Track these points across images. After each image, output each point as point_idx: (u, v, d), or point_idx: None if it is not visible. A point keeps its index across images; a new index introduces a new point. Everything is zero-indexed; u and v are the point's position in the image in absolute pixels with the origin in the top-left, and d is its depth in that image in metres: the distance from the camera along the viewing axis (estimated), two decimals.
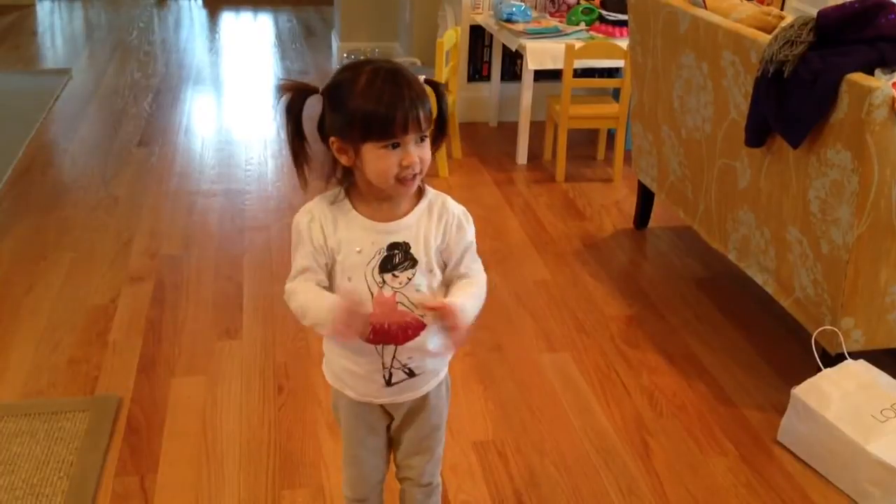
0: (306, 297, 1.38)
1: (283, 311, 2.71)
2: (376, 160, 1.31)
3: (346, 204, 1.39)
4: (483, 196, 3.67)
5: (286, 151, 4.07)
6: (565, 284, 3.00)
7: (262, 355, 2.52)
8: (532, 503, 2.01)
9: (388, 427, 1.59)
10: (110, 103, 4.75)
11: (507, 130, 4.42)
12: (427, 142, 1.33)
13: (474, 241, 1.46)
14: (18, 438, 2.11)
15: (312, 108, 1.38)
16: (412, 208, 1.41)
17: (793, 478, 2.11)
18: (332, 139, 1.34)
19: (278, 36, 6.57)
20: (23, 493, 1.94)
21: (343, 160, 1.35)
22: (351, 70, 1.32)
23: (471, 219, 1.46)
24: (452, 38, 3.87)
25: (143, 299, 2.79)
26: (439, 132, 1.41)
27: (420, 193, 1.42)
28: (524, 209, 3.60)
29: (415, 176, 1.33)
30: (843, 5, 2.16)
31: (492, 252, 3.13)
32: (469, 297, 1.40)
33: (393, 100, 1.27)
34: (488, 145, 4.31)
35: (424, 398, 1.53)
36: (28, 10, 6.98)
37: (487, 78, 4.58)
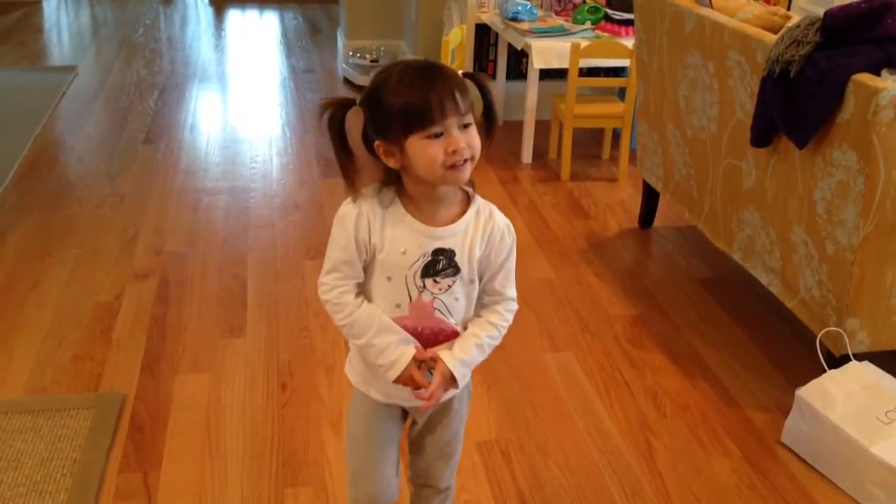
0: (371, 323, 1.38)
1: (287, 310, 2.72)
2: (422, 151, 1.28)
3: (397, 202, 1.37)
4: (488, 195, 3.62)
5: (291, 150, 4.13)
6: (570, 283, 2.99)
7: (265, 353, 2.52)
8: (535, 503, 2.01)
9: (409, 435, 1.57)
10: (116, 100, 4.76)
11: (513, 129, 4.41)
12: (473, 129, 1.31)
13: (514, 259, 1.45)
14: (22, 435, 2.11)
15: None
16: (461, 215, 1.39)
17: (797, 479, 2.11)
18: (376, 143, 1.32)
19: (284, 33, 6.57)
20: (26, 489, 1.95)
21: (391, 163, 1.32)
22: (382, 74, 1.32)
23: (514, 234, 1.45)
24: (458, 37, 3.87)
25: (148, 296, 2.79)
26: (490, 123, 1.38)
27: (468, 200, 1.40)
28: (529, 208, 3.60)
29: (465, 161, 1.30)
30: (849, 5, 2.15)
31: None
32: (475, 352, 1.42)
33: (426, 87, 1.26)
34: (493, 144, 4.27)
35: (449, 403, 1.52)
36: (34, 6, 6.99)
37: (493, 76, 4.57)
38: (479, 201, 1.41)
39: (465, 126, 1.29)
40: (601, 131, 4.24)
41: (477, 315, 1.46)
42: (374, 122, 1.32)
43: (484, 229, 1.40)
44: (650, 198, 3.39)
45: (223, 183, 3.72)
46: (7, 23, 6.42)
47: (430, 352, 1.41)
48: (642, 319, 2.79)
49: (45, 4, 7.13)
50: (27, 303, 2.73)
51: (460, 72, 1.37)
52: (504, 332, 1.46)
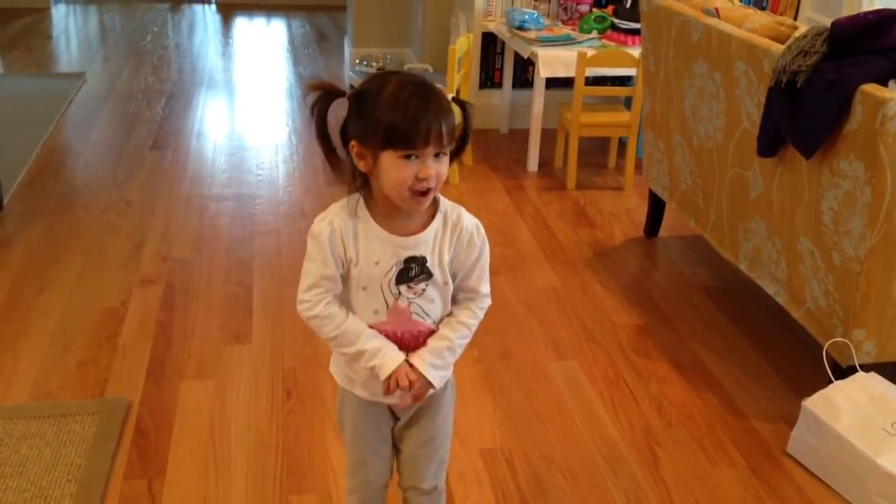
0: (360, 330, 1.42)
1: (293, 316, 2.72)
2: (394, 169, 1.31)
3: (366, 214, 1.40)
4: (494, 203, 3.66)
5: (297, 157, 4.14)
6: (575, 292, 2.99)
7: (270, 360, 2.52)
8: None
9: (393, 430, 1.59)
10: (124, 107, 4.78)
11: (519, 138, 4.42)
12: (445, 158, 1.34)
13: (486, 256, 1.47)
14: (27, 441, 2.12)
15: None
16: (429, 221, 1.41)
17: (802, 490, 2.10)
18: (352, 143, 1.35)
19: (291, 41, 6.59)
20: (31, 495, 1.95)
21: (361, 165, 1.35)
22: (379, 79, 1.33)
23: (483, 234, 1.46)
24: (465, 45, 3.88)
25: (154, 302, 2.80)
26: (459, 148, 1.41)
27: (435, 205, 1.42)
28: (534, 216, 3.60)
29: (428, 190, 1.33)
30: (857, 16, 2.15)
31: (501, 259, 3.13)
32: (447, 356, 1.46)
33: (418, 112, 1.28)
34: (499, 152, 4.31)
35: (431, 398, 1.54)
36: (43, 13, 7.03)
37: (499, 85, 4.58)
38: (446, 205, 1.44)
39: (441, 155, 1.32)
40: (607, 140, 4.24)
41: (450, 312, 1.48)
42: (356, 123, 1.34)
43: (452, 234, 1.43)
44: (656, 207, 3.39)
45: (229, 190, 3.73)
46: (16, 29, 6.45)
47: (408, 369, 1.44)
48: (647, 329, 2.79)
49: (53, 11, 7.17)
50: (33, 308, 2.74)
51: (450, 96, 1.38)
52: (475, 328, 1.49)
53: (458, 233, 1.43)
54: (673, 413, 2.37)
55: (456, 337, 1.46)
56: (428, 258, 1.41)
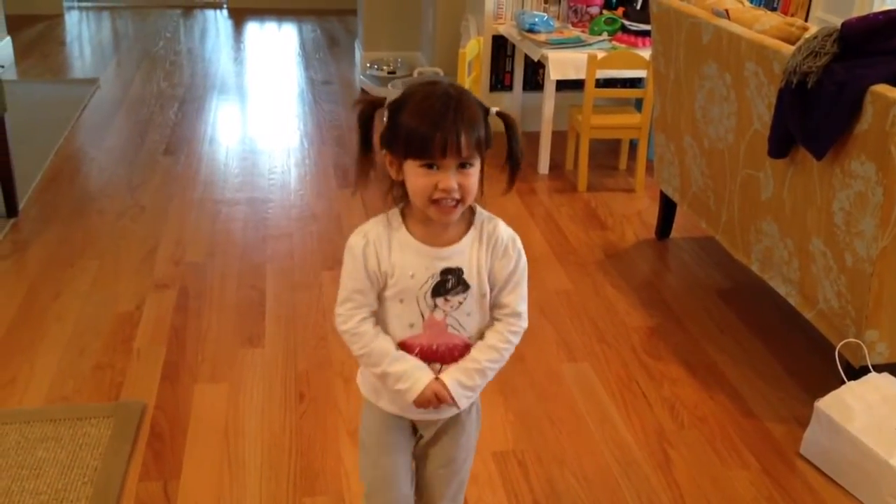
0: (385, 353, 1.40)
1: (305, 320, 2.74)
2: (415, 178, 1.31)
3: (401, 226, 1.39)
4: (505, 206, 3.67)
5: (309, 161, 4.15)
6: (587, 294, 2.99)
7: (283, 363, 2.54)
8: None
9: (415, 450, 1.58)
10: (137, 112, 4.81)
11: (529, 140, 4.42)
12: (473, 170, 1.32)
13: (523, 271, 1.45)
14: (44, 444, 2.14)
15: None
16: (465, 232, 1.40)
17: (816, 491, 2.10)
18: (383, 151, 1.35)
19: (302, 45, 6.62)
20: (48, 497, 1.97)
21: (392, 173, 1.36)
22: (416, 87, 1.34)
23: (520, 246, 1.45)
24: (475, 48, 3.89)
25: (168, 306, 2.82)
26: (513, 168, 1.40)
27: (472, 216, 1.42)
28: (546, 219, 3.60)
29: (456, 203, 1.32)
30: (867, 17, 2.15)
31: None
32: (476, 377, 1.44)
33: (436, 120, 1.27)
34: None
35: (456, 418, 1.53)
36: (56, 20, 7.08)
37: (510, 88, 4.59)
38: (483, 215, 1.43)
39: (464, 166, 1.31)
40: (618, 142, 4.24)
41: (482, 335, 1.47)
42: (387, 131, 1.34)
43: (488, 243, 1.41)
44: (667, 208, 3.38)
45: (242, 194, 3.75)
46: (30, 36, 6.51)
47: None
48: (659, 330, 2.79)
49: (67, 17, 7.22)
50: (49, 313, 2.76)
51: (494, 110, 1.37)
52: (507, 355, 1.47)
53: (493, 243, 1.41)
54: (685, 415, 2.37)
55: (485, 360, 1.44)
56: (465, 269, 1.39)
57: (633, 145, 4.14)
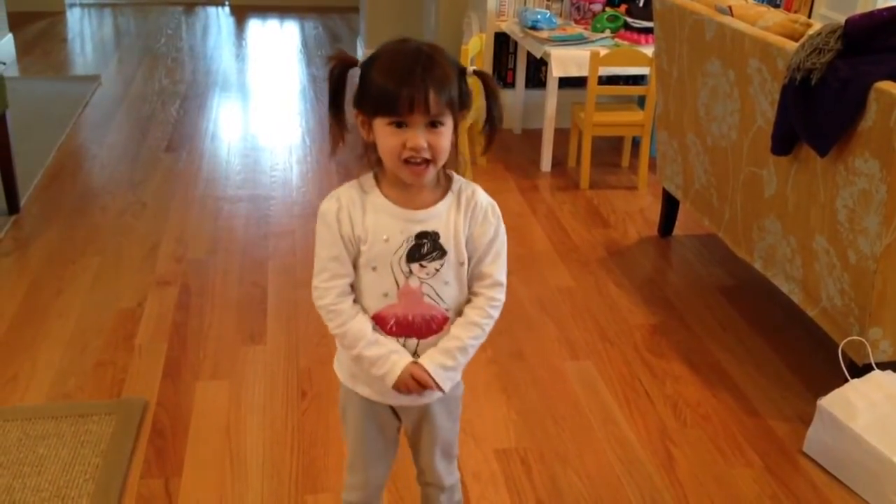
0: (361, 336, 1.37)
1: (307, 317, 2.74)
2: (384, 137, 1.28)
3: (375, 188, 1.36)
4: (507, 203, 3.66)
5: (311, 158, 4.15)
6: (589, 292, 2.99)
7: (285, 360, 2.53)
8: None
9: (398, 431, 1.58)
10: (138, 109, 4.81)
11: (532, 137, 4.42)
12: (444, 129, 1.28)
13: (503, 240, 1.41)
14: (45, 441, 2.13)
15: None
16: (443, 196, 1.37)
17: (819, 490, 2.09)
18: (355, 111, 1.33)
19: (304, 42, 6.62)
20: (49, 494, 1.96)
21: (363, 134, 1.33)
22: (386, 45, 1.31)
23: (499, 213, 1.41)
24: (477, 45, 3.88)
25: (170, 303, 2.81)
26: (490, 127, 1.36)
27: (449, 181, 1.38)
28: (548, 216, 3.60)
29: (425, 162, 1.28)
30: (871, 13, 2.14)
31: (515, 259, 3.12)
32: (458, 357, 1.40)
33: (404, 76, 1.24)
34: (513, 152, 4.31)
35: (440, 400, 1.50)
36: (58, 16, 7.08)
37: (512, 85, 4.58)
38: (460, 181, 1.39)
39: (434, 125, 1.27)
40: (620, 139, 4.23)
41: (461, 310, 1.42)
42: (358, 90, 1.32)
43: (467, 208, 1.37)
44: (670, 206, 3.38)
45: (244, 191, 3.75)
46: (32, 33, 6.50)
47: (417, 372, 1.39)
48: (662, 328, 2.78)
49: (68, 14, 7.22)
50: (51, 310, 2.76)
51: (471, 68, 1.34)
52: (489, 329, 1.42)
53: (472, 208, 1.37)
54: (688, 413, 2.37)
55: (468, 337, 1.40)
56: (441, 233, 1.35)
57: (636, 143, 4.13)
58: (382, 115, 1.27)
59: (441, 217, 1.36)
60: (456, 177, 1.39)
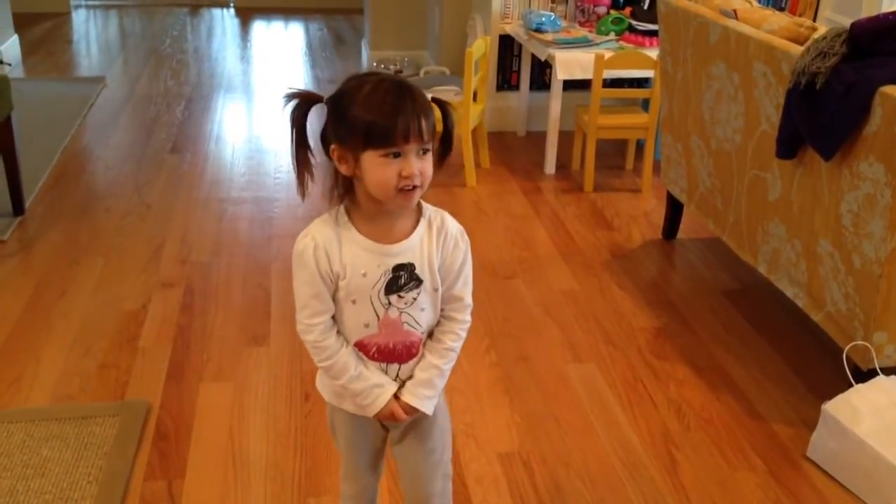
0: (346, 370, 1.42)
1: None
2: (376, 168, 1.29)
3: (349, 224, 1.38)
4: (511, 205, 3.66)
5: (315, 160, 4.15)
6: (593, 295, 2.99)
7: (289, 363, 2.53)
8: None
9: (384, 440, 1.58)
10: (143, 111, 4.82)
11: (536, 140, 4.42)
12: (429, 155, 1.32)
13: (470, 264, 1.46)
14: (49, 443, 2.14)
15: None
16: (414, 227, 1.40)
17: (823, 495, 2.08)
18: (332, 147, 1.33)
19: (309, 44, 6.62)
20: (52, 496, 1.97)
21: (343, 169, 1.34)
22: (355, 80, 1.32)
23: (467, 240, 1.45)
24: (482, 48, 3.88)
25: (173, 305, 2.82)
26: (445, 150, 1.40)
27: (419, 210, 1.41)
28: (552, 219, 3.59)
29: (415, 188, 1.31)
30: (876, 17, 2.14)
31: (519, 261, 3.12)
32: (438, 383, 1.46)
33: (395, 108, 1.26)
34: (517, 155, 4.31)
35: (423, 415, 1.51)
36: (64, 18, 7.10)
37: (516, 87, 4.58)
38: (429, 210, 1.42)
39: (424, 152, 1.30)
40: (625, 142, 4.23)
41: (432, 333, 1.47)
42: (334, 127, 1.32)
43: (438, 237, 1.41)
44: (674, 209, 3.37)
45: (248, 193, 3.75)
46: (37, 34, 6.52)
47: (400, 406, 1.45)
48: (666, 331, 2.78)
49: (74, 16, 7.24)
50: (55, 311, 2.77)
51: (429, 95, 1.37)
52: (458, 351, 1.48)
53: (443, 237, 1.41)
54: (692, 416, 2.36)
55: (444, 364, 1.45)
56: (416, 264, 1.39)
57: (640, 145, 4.12)
58: (375, 148, 1.28)
59: (415, 249, 1.39)
60: (425, 205, 1.43)
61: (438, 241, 1.40)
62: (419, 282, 1.39)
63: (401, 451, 1.57)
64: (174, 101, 4.99)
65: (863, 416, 2.06)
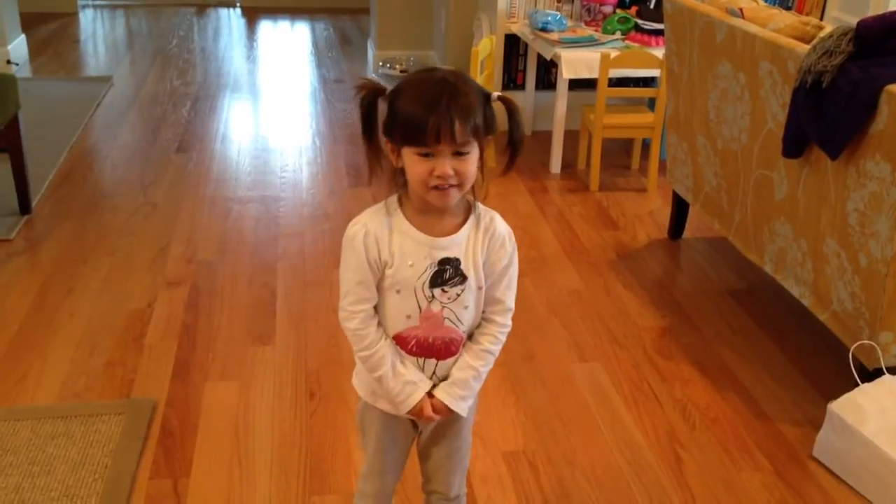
0: (384, 363, 1.42)
1: (316, 318, 2.74)
2: (412, 165, 1.31)
3: (400, 214, 1.39)
4: (517, 205, 3.66)
5: (321, 159, 4.16)
6: (598, 294, 2.98)
7: (294, 361, 2.54)
8: None
9: (413, 441, 1.60)
10: (150, 110, 4.83)
11: (542, 139, 4.41)
12: (469, 157, 1.31)
13: (516, 268, 1.45)
14: (55, 440, 2.14)
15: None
16: (463, 223, 1.40)
17: (829, 494, 2.08)
18: (385, 139, 1.35)
19: (315, 44, 6.63)
20: (58, 494, 1.97)
21: (393, 160, 1.36)
22: (415, 74, 1.34)
23: (514, 243, 1.45)
24: (487, 47, 3.88)
25: (179, 304, 2.82)
26: (512, 153, 1.39)
27: (469, 208, 1.42)
28: (558, 218, 3.59)
29: (451, 187, 1.31)
30: (883, 16, 2.13)
31: (525, 261, 3.10)
32: (473, 385, 1.47)
33: (430, 106, 1.26)
34: (522, 154, 4.29)
35: (455, 414, 1.52)
36: (71, 18, 7.12)
37: (522, 87, 4.58)
38: (480, 209, 1.43)
39: (461, 154, 1.30)
40: (630, 142, 4.23)
41: (472, 337, 1.47)
42: (387, 119, 1.34)
43: (485, 236, 1.41)
44: (680, 208, 3.37)
45: (254, 192, 3.76)
46: (44, 33, 6.54)
47: (435, 406, 1.45)
48: (671, 331, 2.77)
49: (81, 16, 7.25)
50: (61, 309, 2.78)
51: (496, 94, 1.36)
52: (497, 354, 1.49)
53: (490, 235, 1.41)
54: (697, 416, 2.36)
55: (481, 365, 1.46)
56: (462, 260, 1.39)
57: (646, 145, 4.12)
58: (410, 145, 1.30)
59: (462, 245, 1.39)
60: (476, 204, 1.43)
61: (485, 239, 1.41)
62: (464, 278, 1.40)
63: (427, 448, 1.59)
64: (180, 101, 5.00)
65: (869, 416, 2.06)
